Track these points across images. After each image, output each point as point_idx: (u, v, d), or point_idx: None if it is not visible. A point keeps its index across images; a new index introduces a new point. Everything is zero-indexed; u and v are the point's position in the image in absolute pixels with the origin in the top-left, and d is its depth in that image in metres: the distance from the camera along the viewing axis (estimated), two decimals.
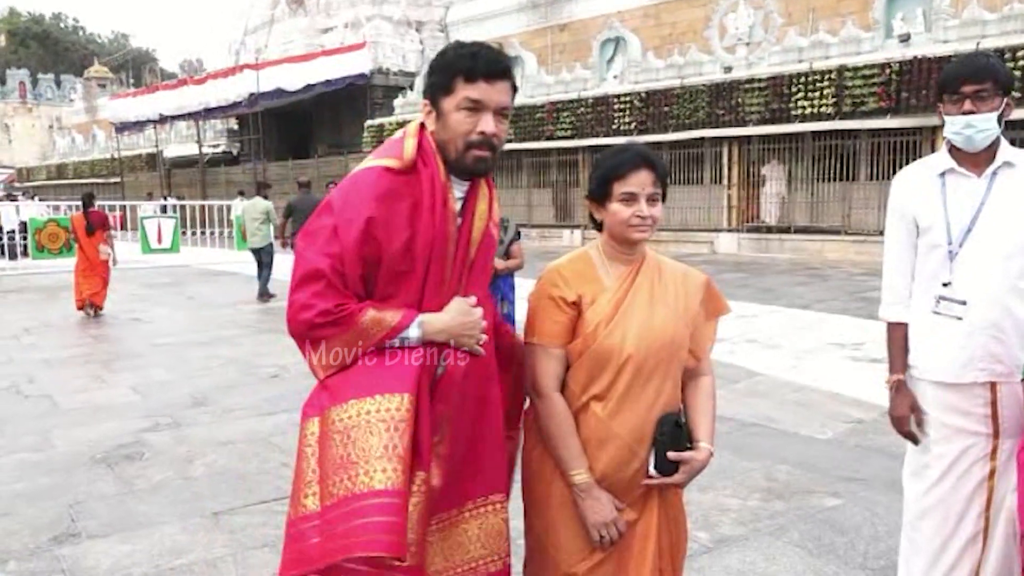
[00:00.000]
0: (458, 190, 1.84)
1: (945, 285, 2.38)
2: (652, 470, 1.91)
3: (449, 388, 1.81)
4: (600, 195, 1.96)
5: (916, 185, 2.45)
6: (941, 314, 2.39)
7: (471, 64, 1.74)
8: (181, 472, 4.54)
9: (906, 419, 2.47)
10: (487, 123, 1.76)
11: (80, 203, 11.55)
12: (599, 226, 2.02)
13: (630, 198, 1.90)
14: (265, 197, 12.86)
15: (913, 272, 2.49)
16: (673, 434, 1.90)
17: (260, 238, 12.38)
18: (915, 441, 2.48)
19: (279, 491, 4.16)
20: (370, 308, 1.75)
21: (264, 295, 12.21)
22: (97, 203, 11.66)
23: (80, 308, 10.83)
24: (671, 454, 1.90)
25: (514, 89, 1.83)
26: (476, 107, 1.75)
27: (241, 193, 23.28)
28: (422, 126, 1.84)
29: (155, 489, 4.29)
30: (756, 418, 5.35)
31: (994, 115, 2.30)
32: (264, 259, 12.34)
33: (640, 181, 1.91)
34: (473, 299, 1.85)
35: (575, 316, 1.93)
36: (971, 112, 2.31)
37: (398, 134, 1.86)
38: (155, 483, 4.38)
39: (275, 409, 5.82)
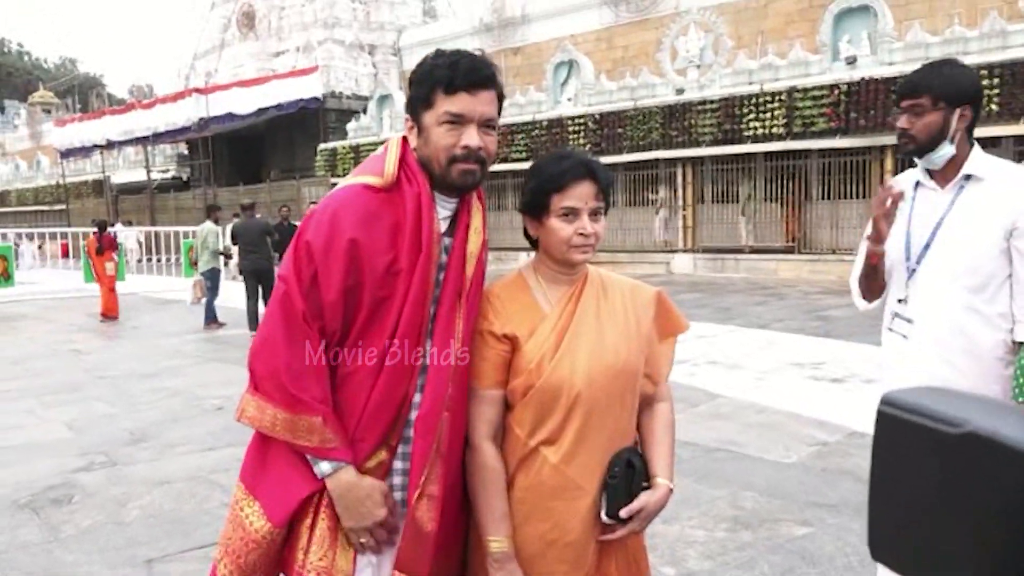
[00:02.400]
0: (444, 208, 1.69)
1: (900, 302, 2.31)
2: (604, 517, 1.67)
3: (430, 422, 1.63)
4: (536, 209, 1.70)
5: None
6: (893, 331, 2.34)
7: (450, 74, 1.59)
8: (113, 516, 4.23)
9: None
10: (471, 137, 1.61)
11: (96, 228, 14.25)
12: (534, 243, 1.78)
13: (571, 213, 1.65)
14: (216, 221, 12.53)
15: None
16: (626, 476, 1.67)
17: (203, 263, 12.13)
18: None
19: (218, 534, 3.89)
20: (322, 417, 1.59)
21: (211, 322, 11.83)
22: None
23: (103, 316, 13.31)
24: (622, 512, 1.66)
25: (500, 97, 1.68)
26: (458, 120, 1.60)
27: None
28: (404, 140, 1.69)
29: (83, 535, 3.97)
30: (720, 442, 5.21)
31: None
32: (207, 283, 12.01)
33: (582, 194, 1.66)
34: (385, 511, 1.64)
35: (508, 352, 1.69)
36: (904, 129, 2.24)
37: (379, 150, 1.71)
38: (84, 528, 4.06)
39: (218, 444, 5.52)
